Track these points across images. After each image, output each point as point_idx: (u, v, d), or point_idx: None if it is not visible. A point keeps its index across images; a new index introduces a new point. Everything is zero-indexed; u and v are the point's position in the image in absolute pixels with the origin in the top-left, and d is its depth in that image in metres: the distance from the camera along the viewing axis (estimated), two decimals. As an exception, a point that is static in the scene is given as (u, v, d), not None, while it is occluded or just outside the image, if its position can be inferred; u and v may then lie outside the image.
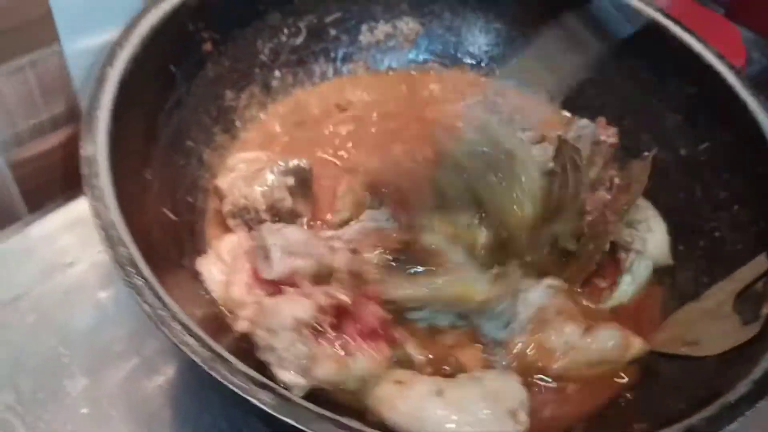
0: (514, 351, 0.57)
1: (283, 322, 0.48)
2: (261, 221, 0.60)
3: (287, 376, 0.47)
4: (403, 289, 0.55)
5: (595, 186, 0.63)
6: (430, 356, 0.55)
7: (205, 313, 0.53)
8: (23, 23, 0.64)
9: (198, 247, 0.61)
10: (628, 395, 0.56)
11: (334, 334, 0.49)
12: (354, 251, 0.57)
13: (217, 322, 0.53)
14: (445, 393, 0.51)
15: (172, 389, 0.62)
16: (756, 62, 1.09)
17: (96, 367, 0.62)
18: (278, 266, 0.53)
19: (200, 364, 0.40)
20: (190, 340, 0.41)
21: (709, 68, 0.68)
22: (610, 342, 0.57)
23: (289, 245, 0.54)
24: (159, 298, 0.43)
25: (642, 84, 0.74)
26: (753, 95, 0.65)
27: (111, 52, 0.58)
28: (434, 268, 0.56)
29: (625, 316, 0.63)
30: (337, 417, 0.40)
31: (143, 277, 0.44)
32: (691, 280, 0.64)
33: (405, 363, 0.54)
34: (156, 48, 0.61)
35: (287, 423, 0.39)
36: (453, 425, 0.49)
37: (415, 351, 0.55)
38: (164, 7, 0.63)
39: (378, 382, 0.52)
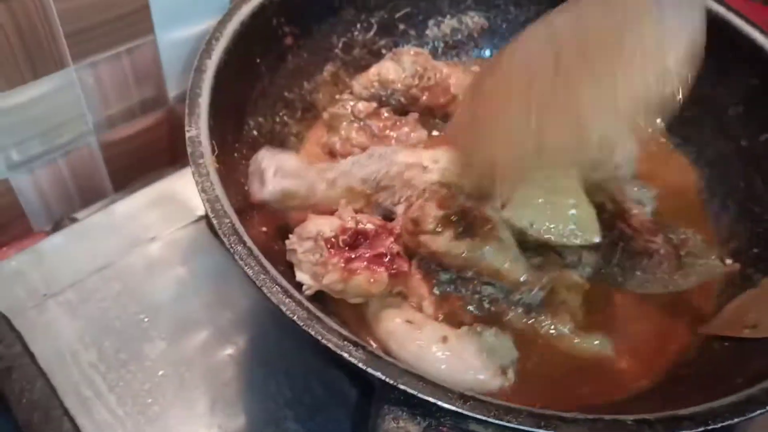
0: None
1: (308, 232, 0.55)
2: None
3: (302, 276, 0.54)
4: (446, 244, 0.58)
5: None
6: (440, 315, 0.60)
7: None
8: (123, 15, 0.69)
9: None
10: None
11: (347, 251, 0.55)
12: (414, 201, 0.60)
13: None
14: (449, 340, 0.56)
15: (241, 357, 0.66)
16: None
17: (173, 333, 0.66)
18: (270, 185, 0.58)
19: (298, 322, 0.44)
20: (288, 301, 0.45)
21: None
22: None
23: (283, 169, 0.59)
24: (260, 264, 0.47)
25: (703, 74, 0.70)
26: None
27: (208, 43, 0.62)
28: (481, 238, 0.59)
29: (681, 303, 0.65)
30: (423, 374, 0.43)
31: (245, 246, 0.48)
32: (750, 266, 0.66)
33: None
34: (245, 41, 0.65)
35: (377, 376, 0.42)
36: (446, 369, 0.54)
37: (428, 303, 0.60)
38: (252, 3, 0.67)
39: (387, 315, 0.57)
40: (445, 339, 0.56)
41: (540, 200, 0.61)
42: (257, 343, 0.67)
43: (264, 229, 0.60)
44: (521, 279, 0.60)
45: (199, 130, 0.56)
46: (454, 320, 0.59)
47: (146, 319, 0.67)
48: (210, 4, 0.70)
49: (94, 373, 0.63)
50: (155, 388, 0.63)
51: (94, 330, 0.66)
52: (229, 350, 0.66)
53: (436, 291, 0.60)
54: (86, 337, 0.65)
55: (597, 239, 0.61)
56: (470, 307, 0.60)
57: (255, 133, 0.68)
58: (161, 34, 0.73)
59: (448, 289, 0.60)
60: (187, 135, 0.55)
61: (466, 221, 0.58)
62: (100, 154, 0.77)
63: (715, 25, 0.71)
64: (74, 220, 0.75)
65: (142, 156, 0.80)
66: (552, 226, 0.61)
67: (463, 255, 0.58)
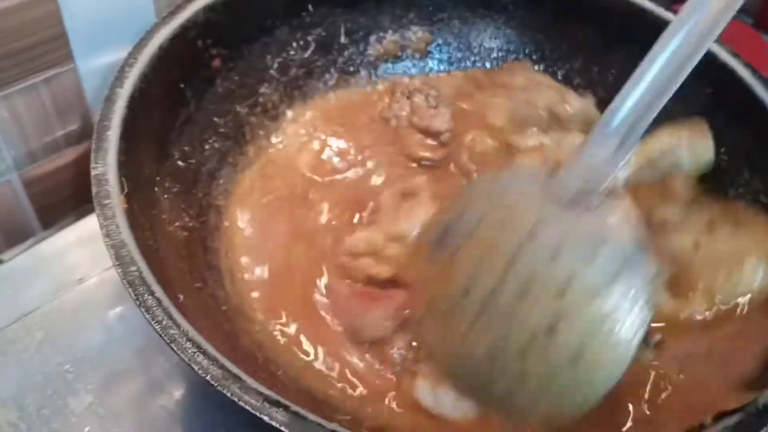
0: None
1: None
2: None
3: None
4: None
5: None
6: None
7: (220, 329, 0.53)
8: (38, 42, 0.65)
9: (212, 263, 0.61)
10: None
11: None
12: None
13: (231, 338, 0.53)
14: None
15: (177, 409, 0.61)
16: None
17: (101, 385, 0.62)
18: None
19: (212, 382, 0.40)
20: (201, 359, 0.41)
21: (725, 67, 0.67)
22: None
23: None
24: (170, 317, 0.43)
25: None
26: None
27: (120, 71, 0.58)
28: None
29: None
30: None
31: (154, 296, 0.44)
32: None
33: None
34: (165, 66, 0.61)
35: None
36: None
37: None
38: (173, 25, 0.63)
39: None
40: None
41: None
42: (193, 393, 0.62)
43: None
44: None
45: (106, 167, 0.52)
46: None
47: (71, 370, 0.62)
48: (133, 28, 0.65)
49: (14, 432, 0.58)
50: (81, 446, 0.58)
51: (13, 385, 0.61)
52: (163, 401, 0.61)
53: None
54: (4, 394, 0.60)
55: None
56: None
57: (180, 163, 0.63)
58: (82, 62, 0.69)
59: None
60: (93, 173, 0.51)
61: None
62: (23, 191, 0.72)
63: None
64: (-2, 263, 0.71)
65: (71, 191, 0.75)
66: None
67: None
